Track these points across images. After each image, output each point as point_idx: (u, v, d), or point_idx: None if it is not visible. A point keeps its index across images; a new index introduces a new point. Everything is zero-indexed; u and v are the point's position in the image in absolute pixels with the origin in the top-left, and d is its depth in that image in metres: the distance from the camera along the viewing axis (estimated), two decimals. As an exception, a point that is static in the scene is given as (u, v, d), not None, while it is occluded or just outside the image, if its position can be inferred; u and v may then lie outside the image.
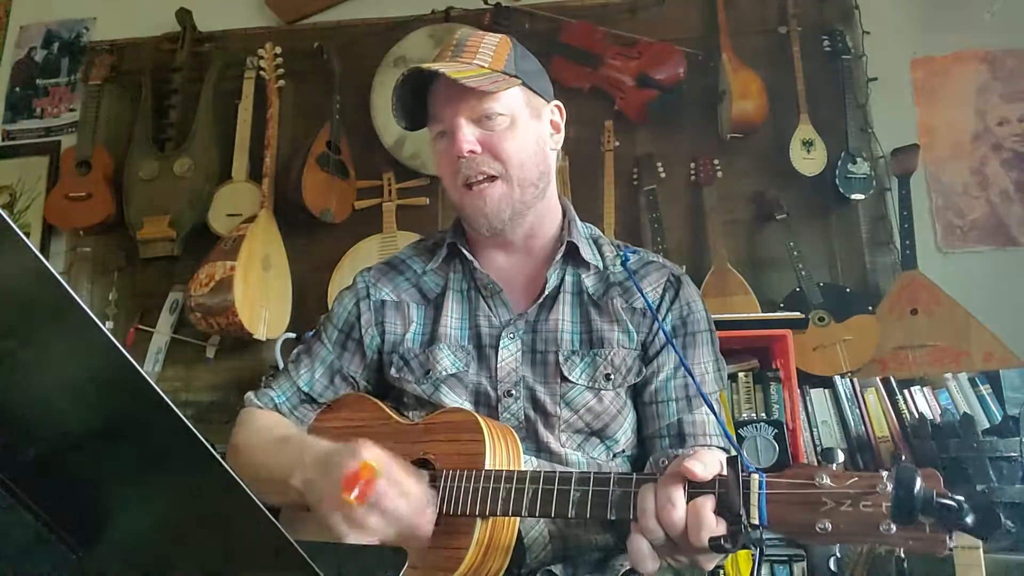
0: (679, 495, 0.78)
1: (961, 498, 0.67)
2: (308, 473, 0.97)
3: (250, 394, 1.24)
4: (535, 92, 1.16)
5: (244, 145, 2.67)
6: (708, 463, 0.78)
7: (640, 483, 0.84)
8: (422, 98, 1.15)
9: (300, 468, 0.98)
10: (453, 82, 1.07)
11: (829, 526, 0.71)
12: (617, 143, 2.59)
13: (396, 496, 0.90)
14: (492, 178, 1.11)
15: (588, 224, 1.28)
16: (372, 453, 0.91)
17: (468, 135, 1.09)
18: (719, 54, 2.55)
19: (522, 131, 1.12)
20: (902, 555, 0.71)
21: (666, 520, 0.78)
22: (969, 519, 0.66)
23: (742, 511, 0.75)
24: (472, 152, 1.09)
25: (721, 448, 1.07)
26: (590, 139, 2.59)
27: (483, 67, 1.11)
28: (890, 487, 0.70)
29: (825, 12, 2.64)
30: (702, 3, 2.68)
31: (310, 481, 0.96)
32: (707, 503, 0.77)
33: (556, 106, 1.21)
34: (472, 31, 1.18)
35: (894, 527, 0.69)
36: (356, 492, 0.87)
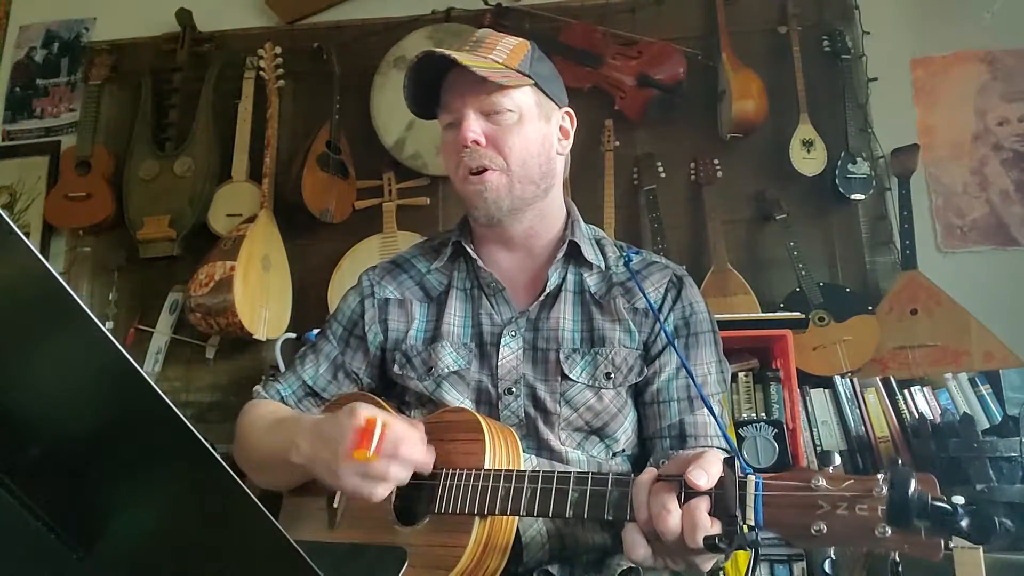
0: (673, 502, 0.78)
1: (957, 502, 0.67)
2: (306, 446, 0.99)
3: (258, 387, 1.26)
4: (547, 95, 1.17)
5: (244, 145, 2.67)
6: (711, 472, 0.78)
7: None
8: (436, 89, 1.16)
9: (295, 444, 1.00)
10: (465, 74, 1.08)
11: (824, 529, 0.71)
12: (617, 143, 2.59)
13: (408, 442, 0.93)
14: (493, 170, 1.12)
15: (592, 226, 1.29)
16: (369, 409, 0.94)
17: (474, 126, 1.11)
18: (719, 54, 2.55)
19: (529, 129, 1.13)
20: (897, 559, 0.70)
21: (662, 528, 0.77)
22: (964, 523, 0.66)
23: (738, 512, 0.75)
24: (476, 143, 1.11)
25: (723, 449, 1.07)
26: (590, 139, 2.59)
27: (497, 63, 1.12)
28: (885, 490, 0.70)
29: (825, 12, 2.64)
30: (702, 3, 2.68)
31: (311, 452, 0.98)
32: (702, 504, 0.77)
33: (567, 112, 1.23)
34: (492, 31, 1.20)
35: (889, 531, 0.69)
36: (373, 447, 0.89)
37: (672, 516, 0.77)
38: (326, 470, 0.95)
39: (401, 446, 0.92)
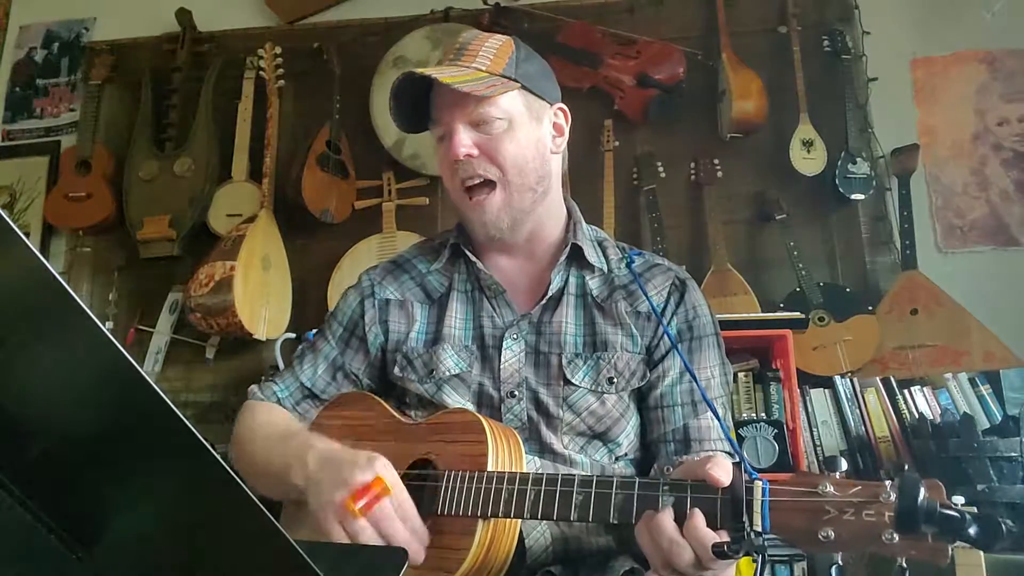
0: (676, 533, 0.79)
1: (964, 509, 0.67)
2: (312, 470, 0.98)
3: (253, 387, 1.24)
4: (536, 95, 1.16)
5: (244, 145, 2.67)
6: (728, 469, 0.79)
7: (643, 487, 0.84)
8: (425, 101, 1.15)
9: (302, 465, 0.99)
10: (449, 87, 1.07)
11: (832, 535, 0.71)
12: (617, 143, 2.59)
13: (396, 522, 0.91)
14: (490, 183, 1.11)
15: (594, 227, 1.28)
16: (388, 472, 0.92)
17: (464, 139, 1.10)
18: (719, 54, 2.55)
19: (520, 134, 1.12)
20: (903, 564, 0.70)
21: (680, 564, 0.78)
22: (972, 530, 0.66)
23: (745, 518, 0.75)
24: (468, 156, 1.10)
25: (727, 453, 1.07)
26: (590, 139, 2.59)
27: (481, 71, 1.10)
28: (893, 497, 0.70)
29: (825, 12, 2.64)
30: (701, 3, 2.68)
31: (313, 478, 0.97)
32: (699, 522, 0.78)
33: (560, 109, 1.21)
34: (476, 34, 1.18)
35: (896, 537, 0.69)
36: (363, 503, 0.88)
37: (685, 550, 0.78)
38: (317, 493, 0.94)
39: (383, 522, 0.90)
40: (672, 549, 0.78)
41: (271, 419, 1.19)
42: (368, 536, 0.89)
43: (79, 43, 2.96)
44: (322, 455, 0.99)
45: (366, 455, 0.94)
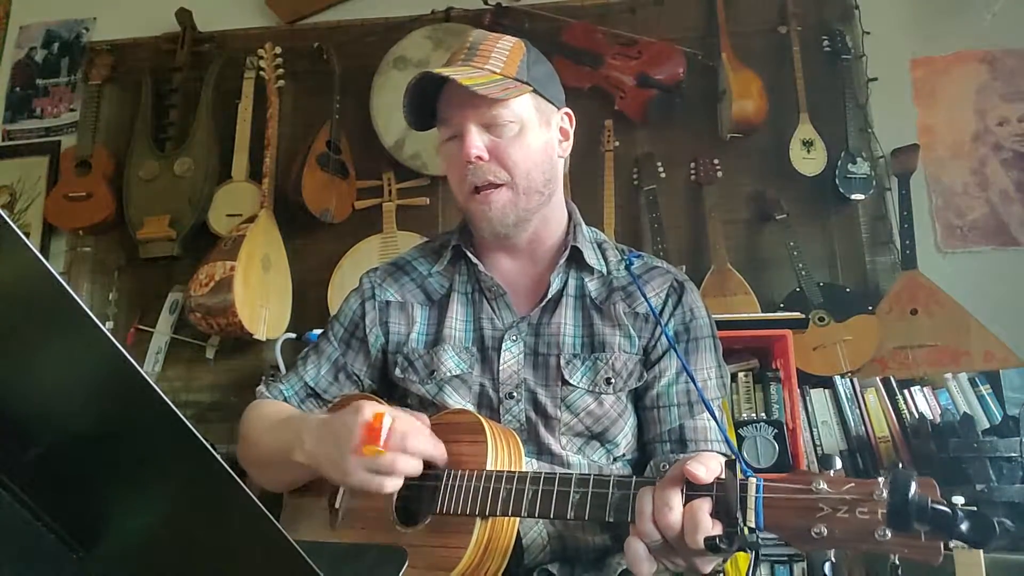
0: (676, 498, 0.79)
1: (957, 505, 0.67)
2: (311, 443, 1.00)
3: (261, 387, 1.26)
4: (545, 99, 1.16)
5: (244, 145, 2.67)
6: (710, 466, 0.79)
7: (639, 486, 0.84)
8: (432, 99, 1.15)
9: (299, 443, 1.02)
10: (463, 87, 1.07)
11: (825, 531, 0.71)
12: (617, 143, 2.59)
13: (417, 434, 0.95)
14: (498, 185, 1.12)
15: (593, 229, 1.28)
16: (375, 406, 0.96)
17: (477, 141, 1.10)
18: (719, 54, 2.55)
19: (530, 138, 1.13)
20: (896, 561, 0.70)
21: (663, 523, 0.78)
22: (964, 527, 0.66)
23: (739, 514, 0.75)
24: (480, 159, 1.10)
25: (723, 453, 1.07)
26: (590, 139, 2.59)
27: (495, 73, 1.11)
28: (886, 493, 0.70)
29: (825, 12, 2.64)
30: (702, 3, 2.68)
31: (316, 450, 0.99)
32: (704, 505, 0.77)
33: (566, 113, 1.22)
34: (486, 34, 1.18)
35: (889, 534, 0.69)
36: (382, 441, 0.91)
37: (674, 512, 0.78)
38: (333, 467, 0.96)
39: (408, 439, 0.93)
40: (663, 509, 0.78)
41: (270, 410, 1.20)
42: (403, 464, 0.92)
43: (79, 43, 2.96)
44: (315, 427, 1.02)
45: (350, 407, 0.98)
